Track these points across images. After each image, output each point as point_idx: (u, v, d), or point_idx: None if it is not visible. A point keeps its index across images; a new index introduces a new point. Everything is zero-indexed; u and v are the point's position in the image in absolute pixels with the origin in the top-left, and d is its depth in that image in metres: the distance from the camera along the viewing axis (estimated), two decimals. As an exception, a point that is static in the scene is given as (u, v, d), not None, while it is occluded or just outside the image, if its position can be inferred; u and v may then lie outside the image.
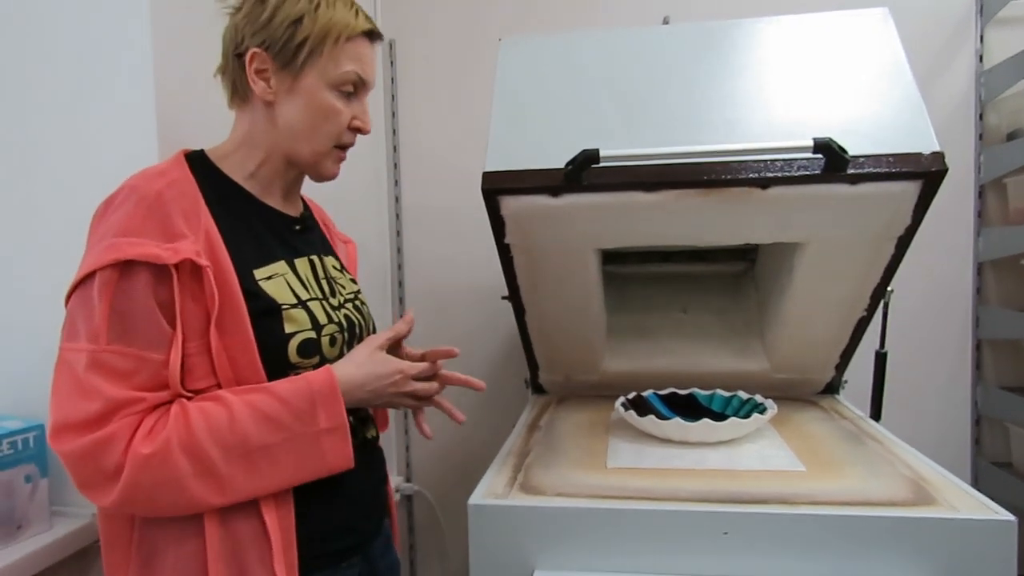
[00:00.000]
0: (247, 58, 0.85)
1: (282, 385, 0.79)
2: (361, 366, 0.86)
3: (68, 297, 0.77)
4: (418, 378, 0.92)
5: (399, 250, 1.97)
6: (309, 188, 1.01)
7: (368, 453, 0.95)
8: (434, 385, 0.95)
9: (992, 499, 0.87)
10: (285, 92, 0.86)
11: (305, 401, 0.79)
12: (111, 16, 1.05)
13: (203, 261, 0.76)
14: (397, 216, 1.97)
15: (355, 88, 0.89)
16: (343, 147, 0.91)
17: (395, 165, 1.97)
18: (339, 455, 0.81)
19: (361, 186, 1.83)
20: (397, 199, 1.97)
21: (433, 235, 1.97)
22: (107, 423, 0.72)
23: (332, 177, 0.93)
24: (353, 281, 1.03)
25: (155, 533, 0.78)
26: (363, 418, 0.96)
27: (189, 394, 0.77)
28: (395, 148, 1.96)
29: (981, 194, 1.74)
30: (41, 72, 1.09)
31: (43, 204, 1.10)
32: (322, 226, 1.04)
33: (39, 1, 1.08)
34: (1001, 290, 1.75)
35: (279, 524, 0.79)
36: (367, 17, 0.90)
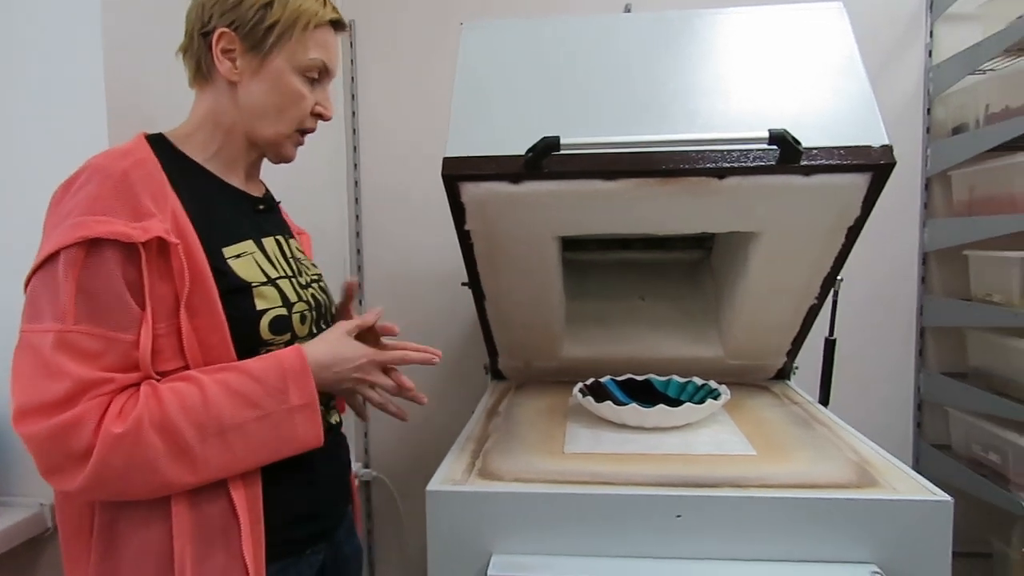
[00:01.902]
0: (214, 37, 0.84)
1: (253, 363, 0.79)
2: (331, 344, 0.87)
3: (29, 279, 0.75)
4: (386, 368, 0.93)
5: (358, 234, 1.95)
6: (268, 175, 0.99)
7: (333, 438, 0.95)
8: (393, 382, 0.94)
9: (932, 480, 0.91)
10: (251, 73, 0.86)
11: (277, 378, 0.79)
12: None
13: (173, 239, 0.75)
14: (356, 200, 1.95)
15: (319, 75, 0.90)
16: (304, 132, 0.92)
17: (354, 148, 1.94)
18: (310, 432, 0.81)
19: (320, 170, 1.80)
20: (356, 183, 1.94)
21: (393, 220, 1.95)
22: (75, 404, 0.70)
23: (290, 159, 0.94)
24: (314, 265, 1.02)
25: (117, 518, 0.77)
26: (328, 404, 0.96)
27: (157, 376, 0.76)
28: (354, 131, 1.93)
29: (927, 186, 1.80)
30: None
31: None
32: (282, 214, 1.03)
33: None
34: (945, 280, 1.82)
35: (247, 505, 0.79)
36: (334, 7, 0.91)
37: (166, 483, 0.74)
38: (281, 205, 1.07)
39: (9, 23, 1.04)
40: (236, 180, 0.91)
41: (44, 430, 0.70)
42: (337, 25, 0.91)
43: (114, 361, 0.73)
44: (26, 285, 0.75)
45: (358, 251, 1.96)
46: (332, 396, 0.98)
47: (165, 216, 0.76)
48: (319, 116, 0.92)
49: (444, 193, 1.09)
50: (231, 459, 0.76)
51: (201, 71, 0.87)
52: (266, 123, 0.88)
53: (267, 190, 1.00)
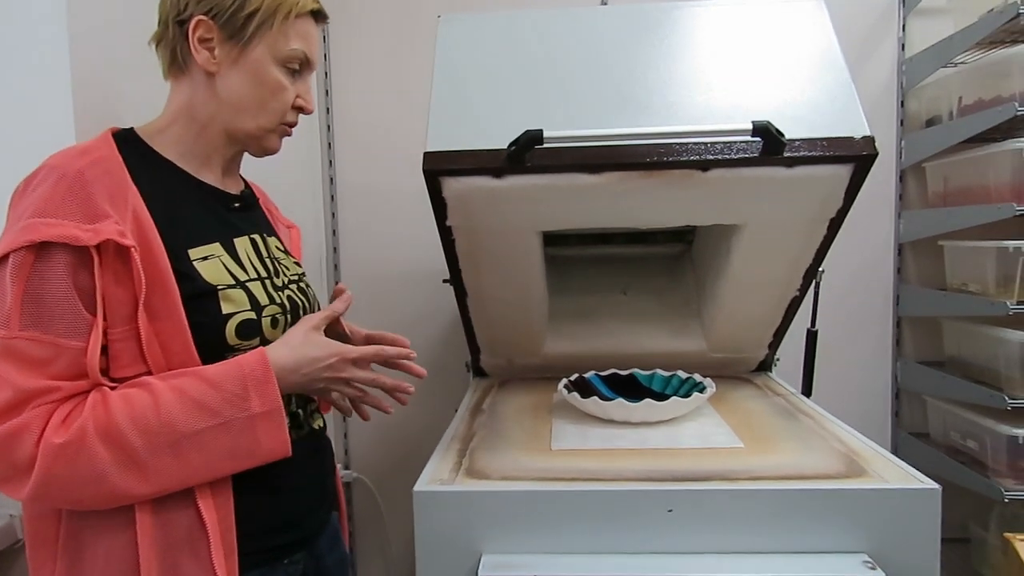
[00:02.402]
0: (190, 26, 0.80)
1: (212, 368, 0.76)
2: (295, 348, 0.81)
3: None
4: (359, 363, 0.87)
5: (334, 232, 1.92)
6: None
7: (315, 443, 0.92)
8: (372, 374, 0.89)
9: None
10: (230, 63, 0.82)
11: (237, 384, 0.75)
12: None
13: (128, 241, 0.72)
14: (332, 197, 1.92)
15: (301, 66, 0.87)
16: (288, 124, 0.89)
17: (329, 144, 1.91)
18: (274, 441, 0.77)
19: (294, 166, 1.77)
20: (332, 179, 1.91)
21: (370, 216, 1.93)
22: (18, 413, 0.68)
23: (275, 151, 0.91)
24: (297, 264, 0.99)
25: (82, 527, 0.74)
26: (312, 409, 0.93)
27: (112, 383, 0.73)
28: (329, 127, 1.90)
29: (902, 178, 1.82)
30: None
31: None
32: (265, 210, 1.00)
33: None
34: (920, 270, 1.84)
35: (216, 515, 0.76)
36: None
37: (117, 494, 0.71)
38: (267, 199, 1.04)
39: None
40: (211, 177, 0.88)
41: None
42: (318, 15, 0.89)
43: (62, 369, 0.70)
44: None
45: (335, 249, 1.93)
46: (311, 399, 0.95)
47: (124, 217, 0.74)
48: (300, 109, 0.89)
49: (421, 189, 1.07)
50: (187, 469, 0.73)
51: (177, 62, 0.84)
52: (247, 116, 0.85)
53: (246, 186, 0.97)
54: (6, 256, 0.69)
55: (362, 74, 1.89)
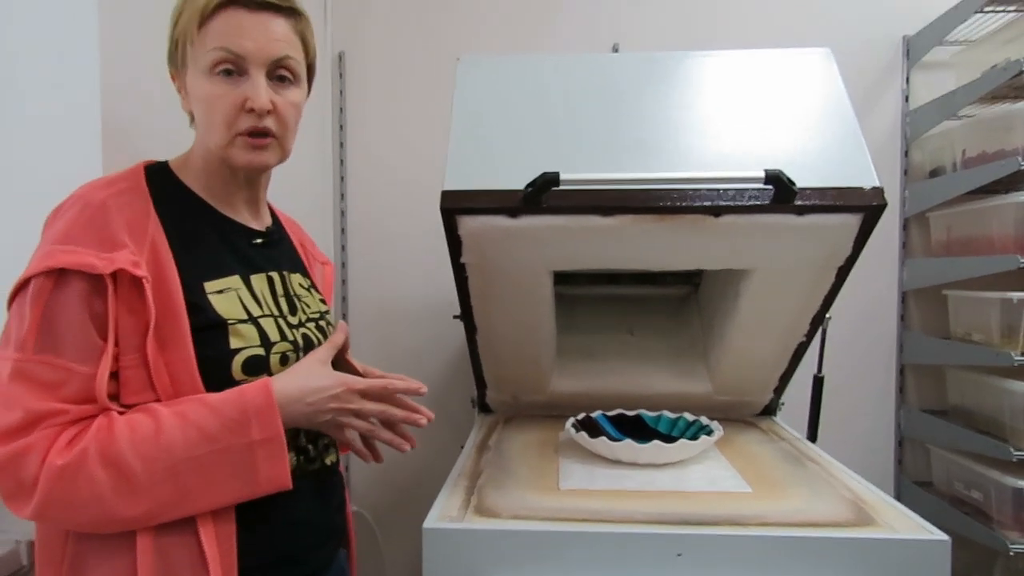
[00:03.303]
0: (173, 81, 0.86)
1: (215, 396, 0.76)
2: (300, 377, 0.81)
3: (9, 304, 0.74)
4: (366, 395, 0.85)
5: (344, 265, 1.94)
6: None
7: (326, 478, 0.92)
8: (381, 406, 0.87)
9: (915, 517, 0.92)
10: (187, 97, 0.85)
11: (237, 411, 0.74)
12: (59, 18, 1.01)
13: (140, 272, 0.73)
14: (343, 231, 1.94)
15: (235, 64, 0.80)
16: (248, 133, 0.81)
17: (341, 179, 1.94)
18: (274, 471, 0.76)
19: (306, 199, 1.79)
20: (343, 213, 1.94)
21: (379, 251, 1.95)
22: (27, 434, 0.69)
23: (255, 166, 0.84)
24: (322, 302, 1.00)
25: (86, 548, 0.75)
26: (324, 444, 0.93)
27: (122, 409, 0.74)
28: (342, 162, 1.93)
29: (905, 227, 1.85)
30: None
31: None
32: (297, 245, 1.01)
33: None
34: (923, 318, 1.85)
35: (219, 548, 0.75)
36: None
37: (115, 518, 0.71)
38: (301, 234, 1.05)
39: (6, 54, 1.02)
40: (235, 211, 0.89)
41: None
42: (243, 2, 0.80)
43: (72, 393, 0.71)
44: (7, 309, 0.75)
45: (343, 281, 1.94)
46: (323, 435, 0.95)
47: (141, 248, 0.75)
48: (251, 111, 0.80)
49: (430, 226, 1.09)
50: (184, 496, 0.73)
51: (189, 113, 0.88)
52: (206, 139, 0.83)
53: (274, 221, 0.98)
54: (28, 281, 0.72)
55: (376, 110, 1.93)
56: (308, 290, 0.97)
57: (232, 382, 0.79)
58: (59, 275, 0.71)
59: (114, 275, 0.72)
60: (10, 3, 1.01)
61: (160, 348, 0.74)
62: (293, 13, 0.84)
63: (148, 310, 0.73)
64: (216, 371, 0.78)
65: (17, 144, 1.02)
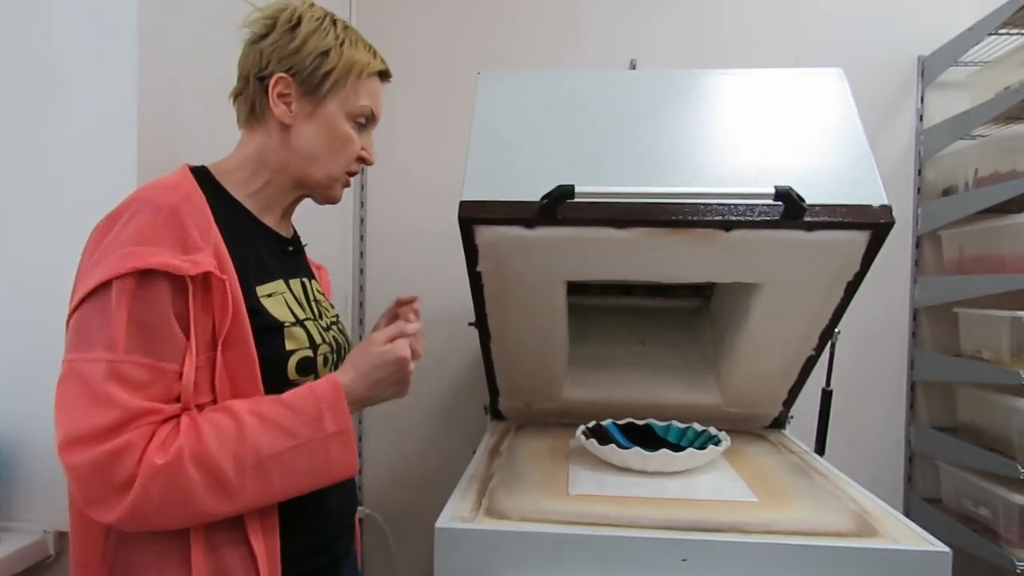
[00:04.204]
0: (271, 82, 0.87)
1: (288, 395, 0.80)
2: (359, 367, 0.86)
3: (75, 308, 0.75)
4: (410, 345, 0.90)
5: (361, 271, 1.98)
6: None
7: None
8: (414, 333, 0.91)
9: (923, 533, 0.93)
10: (304, 117, 0.89)
11: (312, 407, 0.80)
12: (97, 25, 1.05)
13: (222, 275, 0.77)
14: (362, 237, 1.98)
15: (367, 121, 0.95)
16: (351, 175, 0.96)
17: (362, 186, 1.98)
18: (345, 460, 0.82)
19: (327, 206, 1.83)
20: (363, 220, 1.98)
21: (397, 258, 1.98)
22: (122, 433, 0.70)
23: (337, 200, 0.98)
24: (332, 306, 1.04)
25: (131, 554, 0.77)
26: None
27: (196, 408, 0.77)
28: (363, 169, 1.97)
29: (918, 245, 1.86)
30: (20, 76, 1.07)
31: (11, 212, 1.08)
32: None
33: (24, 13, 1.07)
34: (935, 335, 1.86)
35: (266, 548, 0.79)
36: (382, 59, 0.96)
37: (202, 513, 0.74)
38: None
39: (45, 66, 1.07)
40: (270, 220, 0.93)
41: (89, 459, 0.69)
42: (384, 75, 0.97)
43: (160, 392, 0.74)
44: (71, 314, 0.75)
45: (361, 287, 1.98)
46: None
47: (210, 251, 0.78)
48: (363, 160, 0.96)
49: (448, 234, 1.12)
50: (268, 489, 0.77)
51: (254, 113, 0.90)
52: (317, 165, 0.91)
53: (295, 232, 1.02)
54: (109, 282, 0.73)
55: (397, 121, 1.97)
56: (323, 296, 1.03)
57: (287, 381, 0.83)
58: (143, 276, 0.73)
59: (193, 276, 0.74)
60: (49, 5, 1.06)
61: (225, 348, 0.78)
62: None
63: (223, 312, 0.77)
64: (274, 371, 0.82)
65: (54, 145, 1.06)
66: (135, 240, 0.74)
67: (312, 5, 0.92)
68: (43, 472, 1.05)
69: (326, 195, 0.95)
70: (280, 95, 0.88)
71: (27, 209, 1.08)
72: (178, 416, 0.75)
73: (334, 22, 0.91)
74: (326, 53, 0.88)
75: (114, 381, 0.71)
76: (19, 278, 1.06)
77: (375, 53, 0.95)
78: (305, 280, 0.96)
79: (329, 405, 0.81)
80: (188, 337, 0.75)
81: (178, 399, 0.75)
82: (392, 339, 0.89)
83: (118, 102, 1.04)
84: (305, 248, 1.05)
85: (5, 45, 1.08)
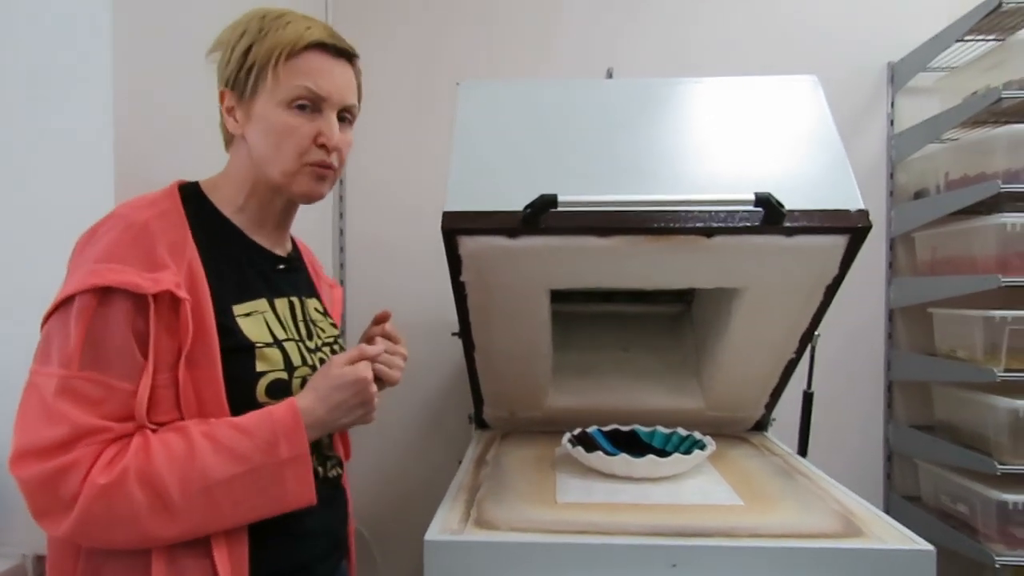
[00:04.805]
0: (221, 101, 0.88)
1: (244, 418, 0.79)
2: (319, 390, 0.84)
3: (44, 321, 0.75)
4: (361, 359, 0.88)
5: (342, 282, 1.97)
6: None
7: (331, 490, 0.95)
8: (375, 355, 0.90)
9: (904, 531, 0.95)
10: (247, 122, 0.87)
11: (267, 431, 0.78)
12: (70, 34, 1.03)
13: (182, 293, 0.76)
14: (341, 249, 1.97)
15: (312, 102, 0.86)
16: (316, 164, 0.88)
17: (340, 197, 1.97)
18: (300, 488, 0.79)
19: (306, 216, 1.81)
20: (342, 231, 1.97)
21: (377, 268, 1.97)
22: (71, 450, 0.70)
23: (315, 195, 0.90)
24: (334, 326, 1.03)
25: (100, 566, 0.76)
26: (327, 456, 0.96)
27: (153, 426, 0.76)
28: (341, 180, 1.96)
29: (892, 247, 1.89)
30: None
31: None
32: (310, 268, 1.04)
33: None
34: (910, 335, 1.90)
35: (231, 565, 0.77)
36: (325, 30, 0.88)
37: (148, 536, 0.73)
38: (312, 258, 1.09)
39: (21, 73, 1.05)
40: (262, 236, 0.92)
41: (37, 474, 0.70)
42: (326, 48, 0.87)
43: (113, 410, 0.73)
44: (42, 326, 0.76)
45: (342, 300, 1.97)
46: (331, 447, 0.98)
47: (180, 268, 0.78)
48: (323, 146, 0.87)
49: (428, 244, 1.12)
50: (216, 514, 0.75)
51: (226, 134, 0.91)
52: (269, 165, 0.87)
53: (294, 247, 1.01)
54: (71, 298, 0.73)
55: (376, 130, 1.96)
56: (323, 315, 1.01)
57: (255, 404, 0.81)
58: (104, 293, 0.73)
59: (155, 295, 0.74)
60: (21, 15, 1.04)
61: (190, 367, 0.77)
62: (356, 63, 0.93)
63: (185, 331, 0.76)
64: (241, 393, 0.81)
65: (29, 160, 1.05)
66: (102, 257, 0.75)
67: (263, 17, 0.88)
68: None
69: (293, 193, 0.89)
70: (228, 109, 0.88)
71: (8, 222, 1.06)
72: (130, 435, 0.74)
73: (263, 17, 0.87)
74: (248, 50, 0.85)
75: (66, 397, 0.71)
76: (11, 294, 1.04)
77: (311, 27, 0.87)
78: (296, 299, 0.94)
79: (285, 430, 0.78)
80: (146, 356, 0.74)
81: (133, 418, 0.74)
82: (352, 361, 0.86)
83: (94, 117, 1.03)
84: (311, 262, 1.04)
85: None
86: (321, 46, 0.87)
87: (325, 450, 0.96)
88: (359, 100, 0.95)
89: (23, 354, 0.77)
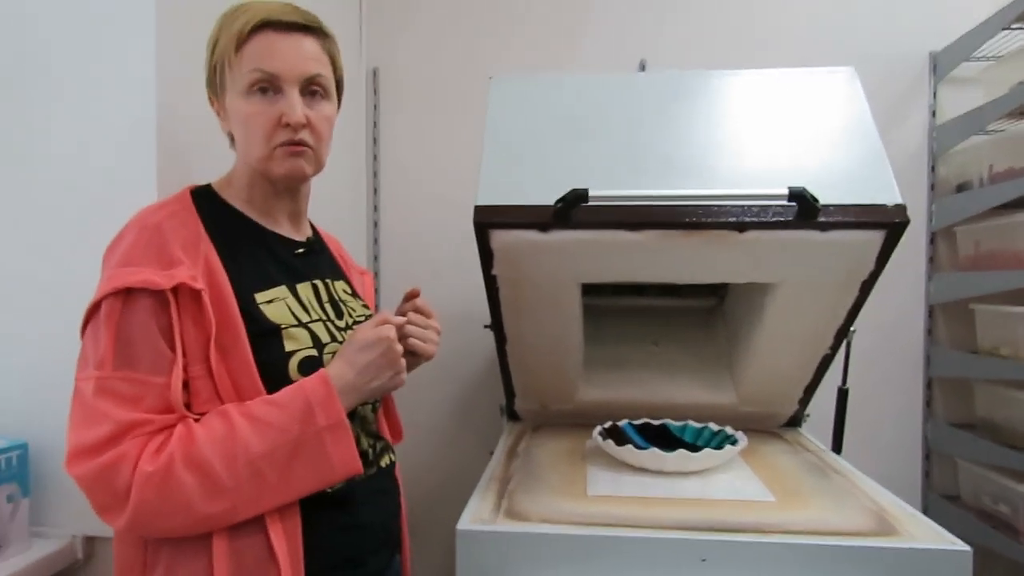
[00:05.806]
0: (210, 103, 0.92)
1: (279, 393, 0.81)
2: (345, 355, 0.86)
3: (82, 331, 0.80)
4: (402, 333, 0.91)
5: (377, 274, 2.00)
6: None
7: (383, 482, 0.96)
8: (401, 323, 0.92)
9: (942, 531, 0.93)
10: (226, 118, 0.90)
11: (301, 401, 0.80)
12: (115, 35, 1.07)
13: (198, 284, 0.78)
14: (375, 241, 1.99)
15: (269, 83, 0.85)
16: (284, 144, 0.87)
17: (375, 191, 1.99)
18: (344, 455, 0.81)
19: (340, 210, 1.85)
20: (376, 224, 1.99)
21: (411, 261, 2.00)
22: (117, 444, 0.73)
23: (296, 174, 0.89)
24: (365, 307, 1.04)
25: (164, 556, 0.79)
26: (381, 447, 0.98)
27: (196, 416, 0.78)
28: (375, 174, 1.99)
29: (932, 241, 1.85)
30: (40, 87, 1.09)
31: (35, 225, 1.10)
32: (336, 256, 1.06)
33: (45, 20, 1.09)
34: (951, 332, 1.85)
35: (287, 545, 0.80)
36: (278, 9, 0.86)
37: (202, 518, 0.75)
38: (340, 248, 1.11)
39: (64, 62, 1.09)
40: (276, 224, 0.94)
41: (89, 471, 0.73)
42: (272, 25, 0.85)
43: (152, 403, 0.76)
44: (81, 333, 0.80)
45: (376, 291, 1.99)
46: (380, 436, 1.00)
47: (196, 263, 0.80)
48: (287, 125, 0.85)
49: (462, 237, 1.12)
50: (265, 488, 0.77)
51: (227, 132, 0.94)
52: (248, 155, 0.89)
53: (314, 232, 1.03)
54: (99, 304, 0.77)
55: (409, 124, 1.98)
56: (352, 296, 1.03)
57: (289, 382, 0.83)
58: (126, 295, 0.77)
59: (175, 290, 0.77)
60: (68, 21, 1.08)
61: (222, 357, 0.79)
62: (321, 33, 0.91)
63: (208, 320, 0.78)
64: (275, 374, 0.83)
65: (72, 162, 1.08)
66: (121, 261, 0.79)
67: (224, 14, 0.89)
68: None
69: (275, 177, 0.89)
70: (216, 112, 0.92)
71: (48, 220, 1.09)
72: (174, 425, 0.77)
73: (225, 14, 0.88)
74: (212, 50, 0.88)
75: (105, 396, 0.75)
76: (50, 288, 1.08)
77: (258, 10, 0.85)
78: (319, 282, 0.96)
79: (318, 397, 0.80)
80: (174, 349, 0.77)
81: (172, 410, 0.77)
82: (376, 326, 0.88)
83: (136, 113, 1.06)
84: (334, 246, 1.06)
85: (16, 54, 1.10)
86: (267, 25, 0.85)
87: (371, 425, 0.98)
88: (335, 70, 0.93)
89: (74, 346, 0.80)
